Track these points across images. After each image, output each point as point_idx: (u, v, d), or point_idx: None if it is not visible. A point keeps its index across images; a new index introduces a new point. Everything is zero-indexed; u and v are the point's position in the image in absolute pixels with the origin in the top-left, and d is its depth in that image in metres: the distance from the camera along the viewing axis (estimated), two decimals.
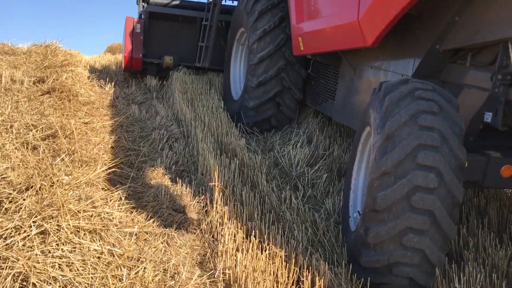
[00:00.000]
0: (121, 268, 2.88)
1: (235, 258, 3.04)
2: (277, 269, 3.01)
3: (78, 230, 3.07)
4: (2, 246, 2.78)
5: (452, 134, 2.92)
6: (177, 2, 8.89)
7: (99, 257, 2.93)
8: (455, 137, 2.93)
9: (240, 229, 3.46)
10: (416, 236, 2.87)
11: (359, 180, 3.86)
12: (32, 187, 3.42)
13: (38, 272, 2.67)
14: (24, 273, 2.62)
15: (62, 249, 2.88)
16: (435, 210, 2.84)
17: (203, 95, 7.10)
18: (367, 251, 3.06)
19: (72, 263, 2.81)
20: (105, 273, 2.81)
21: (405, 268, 2.95)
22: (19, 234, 2.90)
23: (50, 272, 2.68)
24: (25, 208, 3.13)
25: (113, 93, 7.87)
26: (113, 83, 8.43)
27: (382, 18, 3.80)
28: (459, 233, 3.76)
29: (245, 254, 3.08)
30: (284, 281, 2.95)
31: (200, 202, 4.03)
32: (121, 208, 3.55)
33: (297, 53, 5.87)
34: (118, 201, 3.65)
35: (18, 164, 3.93)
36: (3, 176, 3.64)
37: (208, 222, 3.68)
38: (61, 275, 2.69)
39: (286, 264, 3.06)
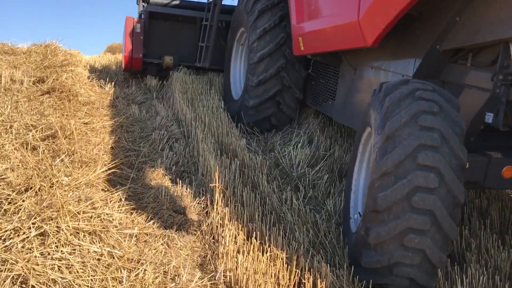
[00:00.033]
0: (121, 270, 2.86)
1: (236, 260, 3.02)
2: (278, 271, 2.98)
3: (78, 231, 3.05)
4: (1, 248, 2.76)
5: (453, 134, 2.91)
6: (177, 2, 8.86)
7: (99, 259, 2.91)
8: (456, 137, 2.92)
9: (241, 230, 3.43)
10: (416, 236, 2.86)
11: (360, 181, 3.85)
12: (31, 188, 3.40)
13: (37, 275, 2.65)
14: (23, 275, 2.60)
15: (61, 251, 2.87)
16: (435, 210, 2.83)
17: (203, 95, 7.08)
18: (368, 251, 3.04)
19: (72, 265, 2.79)
20: (105, 275, 2.79)
21: (406, 269, 2.94)
22: (18, 235, 2.88)
23: (50, 275, 2.65)
24: (24, 209, 3.11)
25: (113, 93, 7.84)
26: (113, 83, 8.40)
27: (382, 18, 3.78)
28: (461, 234, 3.74)
29: (246, 256, 3.06)
30: (286, 284, 2.93)
31: (201, 203, 4.01)
32: (121, 209, 3.53)
33: (298, 53, 5.85)
34: (118, 202, 3.63)
35: (18, 165, 3.91)
36: (2, 177, 3.62)
37: (208, 224, 3.65)
38: (61, 278, 2.67)
39: (288, 266, 3.04)
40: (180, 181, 4.35)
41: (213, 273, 3.06)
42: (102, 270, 2.83)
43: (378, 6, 3.85)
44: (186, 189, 4.22)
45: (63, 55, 8.00)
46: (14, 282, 2.57)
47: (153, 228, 3.45)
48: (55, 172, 3.68)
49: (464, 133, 3.00)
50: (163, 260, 3.07)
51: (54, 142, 4.58)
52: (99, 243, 3.03)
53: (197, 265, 3.21)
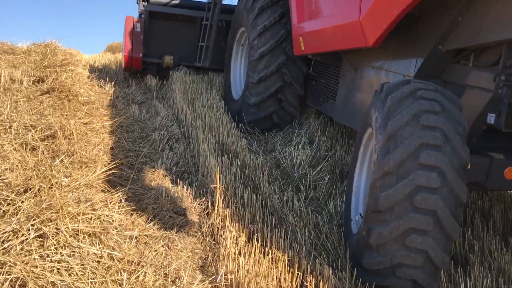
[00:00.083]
0: (121, 273, 2.83)
1: (237, 262, 2.99)
2: (280, 274, 2.95)
3: (77, 233, 3.02)
4: (0, 250, 2.73)
5: (455, 133, 2.89)
6: (177, 2, 8.84)
7: (98, 261, 2.88)
8: (458, 136, 2.90)
9: (242, 232, 3.40)
10: (419, 236, 2.84)
11: (361, 182, 3.83)
12: (30, 189, 3.37)
13: (36, 277, 2.61)
14: (22, 278, 2.57)
15: (61, 253, 2.84)
16: (438, 210, 2.81)
17: (203, 95, 7.05)
18: (370, 252, 3.02)
19: (71, 267, 2.76)
20: (105, 277, 2.76)
21: (408, 270, 2.91)
22: (17, 237, 2.85)
23: (49, 277, 2.62)
24: (23, 210, 3.08)
25: (113, 93, 7.81)
26: (113, 83, 8.38)
27: (384, 18, 3.76)
28: (464, 236, 3.71)
29: (248, 258, 3.03)
30: (288, 286, 2.90)
31: (201, 204, 3.98)
32: (121, 211, 3.50)
33: (298, 53, 5.83)
34: (118, 203, 3.60)
35: (17, 165, 3.88)
36: (1, 177, 3.59)
37: (209, 225, 3.62)
38: (60, 280, 2.64)
39: (289, 268, 3.01)
40: (181, 182, 4.32)
41: (214, 276, 3.03)
42: (101, 272, 2.80)
43: (380, 6, 3.82)
44: (187, 190, 4.19)
45: (63, 54, 7.97)
46: (13, 285, 2.54)
47: (153, 230, 3.42)
48: (55, 172, 3.65)
49: (467, 133, 2.98)
50: (163, 262, 3.04)
51: (53, 143, 4.55)
52: (99, 245, 3.00)
53: (197, 267, 3.18)
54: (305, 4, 5.55)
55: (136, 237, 3.23)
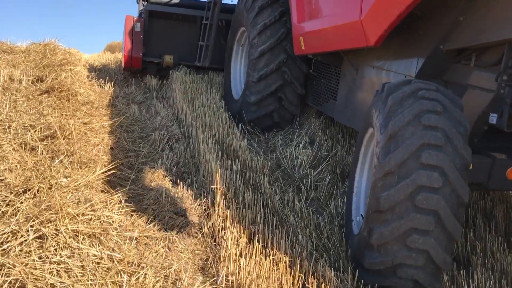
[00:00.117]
0: (121, 274, 2.80)
1: (238, 263, 2.96)
2: (282, 276, 2.93)
3: (77, 234, 3.00)
4: None
5: (457, 133, 2.88)
6: (177, 1, 8.81)
7: (98, 263, 2.85)
8: (460, 136, 2.88)
9: (243, 233, 3.37)
10: (420, 236, 2.82)
11: (362, 182, 3.81)
12: (29, 189, 3.35)
13: (36, 279, 2.59)
14: (21, 280, 2.55)
15: (60, 254, 2.81)
16: (439, 210, 2.79)
17: (203, 94, 7.02)
18: (371, 253, 3.00)
19: (71, 269, 2.74)
20: (105, 279, 2.74)
21: (410, 270, 2.89)
22: (16, 239, 2.83)
23: (48, 279, 2.60)
24: (22, 211, 3.06)
25: (112, 92, 7.79)
26: (112, 82, 8.35)
27: (385, 18, 3.74)
28: (466, 237, 3.69)
29: (249, 260, 3.00)
30: None
31: (202, 205, 3.95)
32: (121, 211, 3.47)
33: (299, 53, 5.81)
34: (118, 204, 3.57)
35: (16, 166, 3.86)
36: (0, 178, 3.56)
37: (210, 226, 3.60)
38: (59, 282, 2.62)
39: (291, 270, 2.99)
40: (181, 182, 4.29)
41: (215, 277, 3.00)
42: (101, 274, 2.78)
43: (381, 6, 3.80)
44: (187, 190, 4.16)
45: (62, 54, 7.94)
46: (12, 287, 2.52)
47: (153, 231, 3.40)
48: (54, 173, 3.62)
49: (468, 133, 2.97)
50: (164, 264, 3.02)
51: (53, 143, 4.52)
52: (98, 246, 2.98)
53: (198, 268, 3.16)
54: (306, 4, 5.53)
55: (136, 238, 3.20)
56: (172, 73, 8.17)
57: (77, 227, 3.02)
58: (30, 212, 3.02)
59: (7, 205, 3.16)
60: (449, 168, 2.80)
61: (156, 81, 8.58)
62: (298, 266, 3.00)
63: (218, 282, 2.94)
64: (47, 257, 2.76)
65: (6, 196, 3.23)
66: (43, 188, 3.36)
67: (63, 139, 4.59)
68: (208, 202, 3.96)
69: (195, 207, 3.91)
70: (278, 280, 2.91)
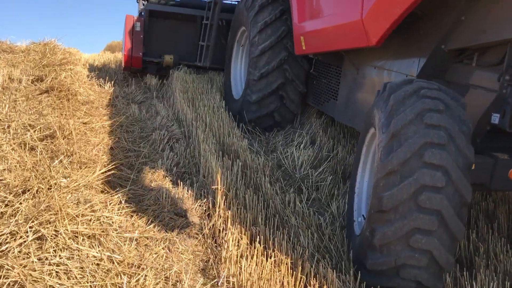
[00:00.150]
0: (121, 276, 2.77)
1: (239, 265, 2.94)
2: (283, 277, 2.90)
3: (77, 235, 2.97)
4: None
5: (459, 132, 2.86)
6: (177, 0, 8.78)
7: (98, 264, 2.82)
8: (463, 135, 2.86)
9: (244, 234, 3.34)
10: (423, 236, 2.80)
11: (364, 183, 3.78)
12: (29, 190, 3.32)
13: (34, 281, 2.57)
14: (19, 282, 2.52)
15: (59, 255, 2.79)
16: (442, 210, 2.77)
17: (204, 94, 6.99)
18: (373, 253, 2.97)
19: (70, 270, 2.71)
20: (104, 281, 2.71)
21: (413, 271, 2.86)
22: (15, 240, 2.80)
23: (47, 281, 2.57)
24: (21, 212, 3.03)
25: (112, 92, 7.76)
26: (112, 82, 8.32)
27: (386, 17, 3.72)
28: (468, 238, 3.66)
29: (250, 261, 2.98)
30: None
31: (202, 206, 3.92)
32: (121, 212, 3.44)
33: (299, 52, 5.79)
34: (118, 204, 3.55)
35: (15, 166, 3.83)
36: None
37: (210, 227, 3.57)
38: (59, 284, 2.59)
39: (293, 272, 2.96)
40: (181, 182, 4.26)
41: (216, 279, 2.97)
42: (101, 275, 2.75)
43: (382, 5, 3.78)
44: (188, 191, 4.13)
45: (62, 53, 7.92)
46: None
47: (153, 232, 3.37)
48: (53, 173, 3.59)
49: (471, 132, 2.94)
50: (164, 265, 2.99)
51: (52, 143, 4.49)
52: (98, 247, 2.95)
53: (199, 270, 3.13)
54: (306, 3, 5.50)
55: (136, 239, 3.17)
56: (172, 73, 8.15)
57: (77, 228, 3.00)
58: (29, 213, 2.99)
59: (6, 205, 3.14)
60: (452, 167, 2.78)
61: (156, 81, 8.56)
62: (300, 267, 2.97)
63: (219, 284, 2.91)
64: (46, 259, 2.73)
65: (5, 197, 3.21)
66: (43, 188, 3.33)
67: (63, 139, 4.56)
68: (209, 203, 3.93)
69: (196, 207, 3.89)
70: (279, 282, 2.88)
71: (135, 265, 2.90)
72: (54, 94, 6.05)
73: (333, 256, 3.43)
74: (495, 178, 3.22)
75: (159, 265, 2.98)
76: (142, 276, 2.80)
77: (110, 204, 3.48)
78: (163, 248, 3.19)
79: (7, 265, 2.58)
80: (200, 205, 3.92)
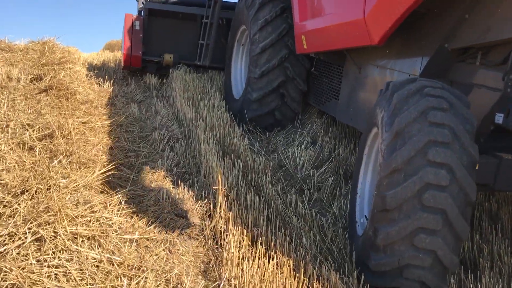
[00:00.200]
0: (121, 278, 2.73)
1: (241, 267, 2.89)
2: (286, 279, 2.86)
3: (76, 236, 2.93)
4: None
5: (464, 131, 2.82)
6: None
7: (97, 266, 2.78)
8: (467, 134, 2.83)
9: (246, 235, 3.30)
10: (427, 236, 2.75)
11: (366, 184, 3.74)
12: (27, 190, 3.28)
13: (33, 283, 2.53)
14: (17, 284, 2.48)
15: (58, 257, 2.74)
16: (447, 209, 2.73)
17: (204, 93, 6.95)
18: (376, 253, 2.93)
19: (69, 272, 2.67)
20: (104, 283, 2.67)
21: (417, 271, 2.82)
22: (13, 241, 2.76)
23: (46, 283, 2.53)
24: (20, 213, 2.99)
25: (112, 91, 7.71)
26: (112, 81, 8.28)
27: (389, 16, 3.69)
28: (472, 239, 3.62)
29: (252, 263, 2.93)
30: None
31: (203, 207, 3.88)
32: (120, 213, 3.40)
33: (301, 51, 5.75)
34: (118, 205, 3.50)
35: (14, 166, 3.78)
36: None
37: (211, 228, 3.53)
38: (57, 286, 2.55)
39: (295, 274, 2.92)
40: (182, 183, 4.21)
41: (217, 281, 2.93)
42: (101, 277, 2.71)
43: (385, 3, 3.75)
44: (188, 191, 4.09)
45: (61, 52, 7.89)
46: None
47: (154, 233, 3.32)
48: (52, 173, 3.55)
49: (475, 131, 2.91)
50: (165, 267, 2.94)
51: (51, 142, 4.45)
52: (98, 248, 2.91)
53: (200, 272, 3.09)
54: (308, 2, 5.46)
55: (136, 241, 3.13)
56: (172, 72, 8.11)
57: (76, 229, 2.95)
58: (27, 214, 2.95)
59: (4, 206, 3.10)
60: (456, 166, 2.75)
61: (156, 80, 8.51)
62: (303, 269, 2.93)
63: (220, 286, 2.87)
64: (45, 261, 2.69)
65: (3, 197, 3.16)
66: (41, 189, 3.29)
67: (62, 139, 4.52)
68: (210, 204, 3.89)
69: (197, 208, 3.84)
70: (282, 284, 2.84)
71: (135, 267, 2.85)
72: (53, 93, 6.01)
73: (335, 258, 3.39)
74: (499, 179, 3.18)
75: (159, 267, 2.94)
76: (142, 278, 2.76)
77: (110, 205, 3.44)
78: (163, 250, 3.15)
79: (5, 267, 2.53)
80: (201, 206, 3.88)
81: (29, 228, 2.84)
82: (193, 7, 8.56)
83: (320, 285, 2.79)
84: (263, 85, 6.07)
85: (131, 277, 2.76)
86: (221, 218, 3.55)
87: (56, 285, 2.55)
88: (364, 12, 4.01)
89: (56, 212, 2.97)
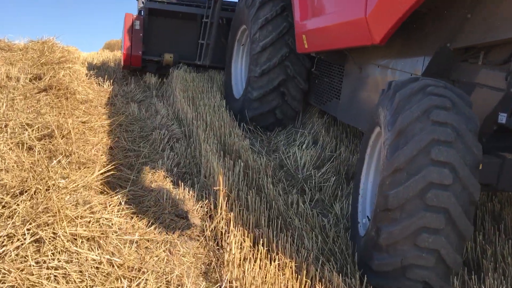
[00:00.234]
0: (121, 280, 2.70)
1: (242, 268, 2.86)
2: (288, 281, 2.83)
3: (75, 237, 2.90)
4: None
5: (467, 130, 2.81)
6: None
7: (97, 268, 2.75)
8: (470, 133, 2.81)
9: (247, 236, 3.26)
10: (431, 235, 2.73)
11: (368, 184, 3.71)
12: (26, 191, 3.24)
13: (32, 285, 2.50)
14: (16, 286, 2.44)
15: (58, 259, 2.71)
16: (450, 208, 2.71)
17: (204, 93, 6.91)
18: (379, 254, 2.91)
19: (69, 274, 2.64)
20: (104, 285, 2.64)
21: (420, 271, 2.79)
22: (12, 243, 2.73)
23: (45, 285, 2.50)
24: (18, 214, 2.96)
25: (111, 91, 7.68)
26: (111, 81, 8.25)
27: (390, 15, 3.66)
28: (475, 240, 3.59)
29: (253, 264, 2.90)
30: None
31: (204, 207, 3.85)
32: (120, 214, 3.37)
33: (301, 51, 5.72)
34: (118, 206, 3.47)
35: (13, 166, 3.75)
36: None
37: (212, 229, 3.50)
38: None
39: (297, 275, 2.88)
40: (182, 183, 4.18)
41: (218, 283, 2.90)
42: (101, 279, 2.68)
43: (387, 3, 3.73)
44: (189, 192, 4.05)
45: (61, 51, 7.86)
46: None
47: (154, 234, 3.29)
48: (52, 174, 3.52)
49: (478, 130, 2.88)
50: (165, 269, 2.91)
51: (50, 142, 4.42)
52: (97, 250, 2.88)
53: (201, 273, 3.05)
54: (308, 1, 5.43)
55: (136, 242, 3.10)
56: (172, 71, 8.07)
57: (76, 230, 2.92)
58: (26, 215, 2.92)
59: (3, 207, 3.07)
60: (459, 165, 2.72)
61: (156, 80, 8.48)
62: (305, 271, 2.89)
63: None
64: (44, 262, 2.66)
65: (2, 198, 3.13)
66: (41, 189, 3.25)
67: (61, 139, 4.49)
68: (210, 204, 3.85)
69: (197, 209, 3.81)
70: (284, 286, 2.81)
71: (136, 269, 2.82)
72: (53, 92, 5.98)
73: (338, 259, 3.35)
74: (503, 178, 3.16)
75: (160, 268, 2.91)
76: (142, 280, 2.73)
77: (109, 205, 3.41)
78: (164, 251, 3.12)
79: (4, 269, 2.50)
80: (201, 207, 3.85)
81: (28, 229, 2.81)
82: (193, 7, 8.53)
83: (322, 287, 2.76)
84: (264, 83, 6.05)
85: (131, 278, 2.73)
86: (222, 219, 3.52)
87: (55, 287, 2.53)
88: (366, 12, 3.98)
89: (56, 212, 2.94)
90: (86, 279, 2.63)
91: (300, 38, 5.61)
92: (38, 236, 2.78)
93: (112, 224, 3.17)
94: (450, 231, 2.74)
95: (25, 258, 2.65)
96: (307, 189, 4.56)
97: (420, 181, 2.72)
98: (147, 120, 6.22)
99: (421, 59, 3.90)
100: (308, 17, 5.42)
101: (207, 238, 3.42)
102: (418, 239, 2.74)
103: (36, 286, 2.49)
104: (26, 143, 4.28)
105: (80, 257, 2.76)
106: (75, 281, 2.60)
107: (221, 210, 3.58)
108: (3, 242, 2.73)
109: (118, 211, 3.38)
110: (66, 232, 2.86)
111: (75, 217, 3.02)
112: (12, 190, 3.24)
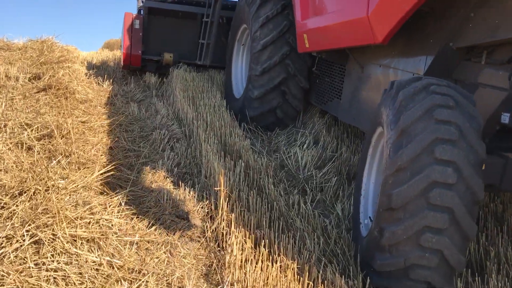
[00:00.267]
0: (121, 282, 2.67)
1: (244, 270, 2.83)
2: (290, 283, 2.80)
3: (75, 239, 2.87)
4: None
5: (470, 128, 2.78)
6: None
7: (97, 269, 2.72)
8: (473, 131, 2.78)
9: (248, 238, 3.23)
10: (434, 235, 2.70)
11: (370, 185, 3.69)
12: (25, 191, 3.21)
13: (31, 287, 2.45)
14: None
15: (57, 260, 2.68)
16: (454, 207, 2.68)
17: (204, 93, 6.88)
18: (382, 254, 2.88)
19: (68, 276, 2.61)
20: (104, 287, 2.60)
21: (423, 271, 2.76)
22: (10, 244, 2.69)
23: (44, 287, 2.46)
24: (17, 215, 2.92)
25: (111, 90, 7.65)
26: (111, 80, 8.22)
27: (393, 14, 3.63)
28: (478, 241, 3.56)
29: (255, 266, 2.87)
30: None
31: (204, 208, 3.81)
32: (120, 215, 3.34)
33: (302, 50, 5.69)
34: (118, 206, 3.44)
35: (12, 166, 3.72)
36: None
37: (213, 230, 3.47)
38: None
39: (299, 277, 2.85)
40: (183, 184, 4.15)
41: (219, 285, 2.87)
42: (101, 281, 2.65)
43: (389, 1, 3.70)
44: (189, 192, 4.02)
45: (60, 51, 7.83)
46: None
47: (154, 235, 3.26)
48: (51, 174, 3.48)
49: (482, 129, 2.86)
50: (166, 270, 2.88)
51: (50, 142, 4.39)
52: (97, 251, 2.84)
53: (202, 275, 3.02)
54: (309, 0, 5.40)
55: (136, 243, 3.07)
56: (172, 71, 8.04)
57: (75, 231, 2.89)
58: (26, 216, 2.89)
59: (2, 208, 3.03)
60: (463, 164, 2.70)
61: (156, 79, 8.45)
62: (307, 273, 2.86)
63: None
64: (44, 264, 2.62)
65: (1, 199, 3.10)
66: (40, 190, 3.22)
67: (61, 139, 4.45)
68: (211, 205, 3.82)
69: (198, 209, 3.78)
70: None
71: (136, 270, 2.79)
72: (52, 92, 5.95)
73: (340, 261, 3.32)
74: (506, 179, 3.14)
75: (160, 270, 2.87)
76: (143, 282, 2.70)
77: (109, 206, 3.37)
78: (164, 252, 3.09)
79: (3, 271, 2.47)
80: (202, 207, 3.82)
81: (27, 231, 2.78)
82: (193, 6, 8.50)
83: None
84: (265, 82, 6.02)
85: (131, 280, 2.71)
86: (223, 219, 3.48)
87: None
88: (368, 10, 3.95)
89: (55, 213, 2.91)
90: (86, 281, 2.60)
91: (301, 37, 5.58)
92: (37, 238, 2.75)
93: (112, 225, 3.14)
94: (453, 231, 2.71)
95: (24, 259, 2.62)
96: (308, 189, 4.53)
97: (424, 180, 2.69)
98: (147, 120, 6.19)
99: (423, 58, 3.87)
100: (309, 16, 5.40)
101: (208, 239, 3.39)
102: (421, 239, 2.71)
103: None
104: (25, 143, 4.25)
105: (80, 259, 2.73)
106: (74, 283, 2.57)
107: (222, 211, 3.55)
108: (1, 243, 2.70)
109: (118, 212, 3.35)
110: (65, 233, 2.83)
111: (75, 218, 2.99)
112: (11, 191, 3.21)
